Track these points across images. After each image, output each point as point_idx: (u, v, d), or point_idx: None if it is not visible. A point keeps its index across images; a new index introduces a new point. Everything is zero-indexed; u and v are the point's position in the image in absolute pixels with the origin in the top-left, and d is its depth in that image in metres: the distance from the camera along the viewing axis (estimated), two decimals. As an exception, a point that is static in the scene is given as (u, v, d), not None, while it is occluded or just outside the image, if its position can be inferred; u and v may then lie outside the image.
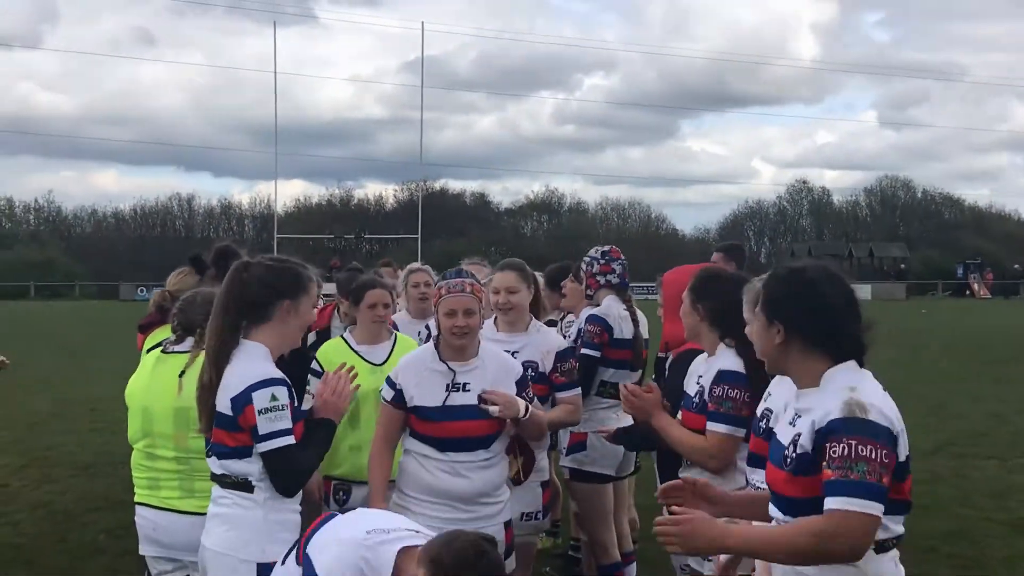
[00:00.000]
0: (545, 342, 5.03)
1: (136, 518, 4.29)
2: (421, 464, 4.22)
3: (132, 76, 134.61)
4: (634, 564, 5.90)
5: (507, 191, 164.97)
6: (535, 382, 4.75)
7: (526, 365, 4.69)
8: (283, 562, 3.25)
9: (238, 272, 3.67)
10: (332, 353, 5.13)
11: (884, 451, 2.62)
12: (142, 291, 55.94)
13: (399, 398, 4.26)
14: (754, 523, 3.05)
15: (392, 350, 5.16)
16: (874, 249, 77.97)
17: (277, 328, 3.65)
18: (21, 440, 11.38)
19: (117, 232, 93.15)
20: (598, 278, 5.77)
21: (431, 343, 4.47)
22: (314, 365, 5.14)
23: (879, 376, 2.84)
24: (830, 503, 2.60)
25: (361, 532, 3.02)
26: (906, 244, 78.99)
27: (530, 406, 4.31)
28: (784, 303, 2.88)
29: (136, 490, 4.32)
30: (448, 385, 4.22)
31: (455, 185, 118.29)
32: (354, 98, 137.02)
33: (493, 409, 4.16)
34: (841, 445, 2.62)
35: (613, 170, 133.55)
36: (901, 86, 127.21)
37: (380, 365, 5.03)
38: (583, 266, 5.88)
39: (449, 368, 4.25)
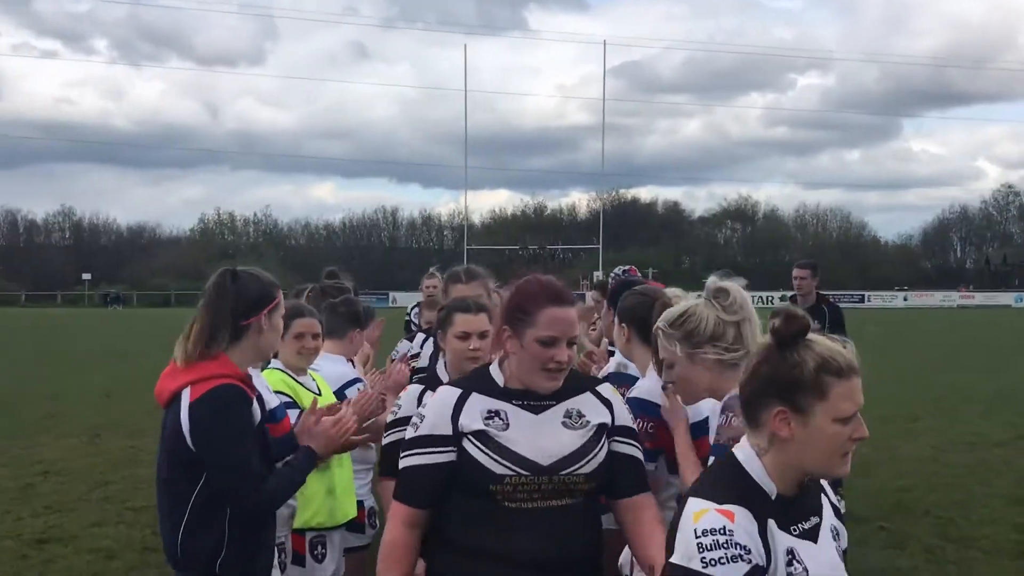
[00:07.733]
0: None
1: None
2: None
3: (346, 90, 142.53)
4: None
5: (713, 196, 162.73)
6: None
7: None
8: None
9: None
10: None
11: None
12: (344, 299, 59.38)
13: None
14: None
15: None
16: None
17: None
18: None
19: (327, 243, 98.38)
20: None
21: None
22: None
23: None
24: None
25: None
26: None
27: None
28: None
29: None
30: None
31: (651, 192, 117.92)
32: (558, 107, 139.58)
33: None
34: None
35: (826, 174, 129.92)
36: None
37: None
38: None
39: None
